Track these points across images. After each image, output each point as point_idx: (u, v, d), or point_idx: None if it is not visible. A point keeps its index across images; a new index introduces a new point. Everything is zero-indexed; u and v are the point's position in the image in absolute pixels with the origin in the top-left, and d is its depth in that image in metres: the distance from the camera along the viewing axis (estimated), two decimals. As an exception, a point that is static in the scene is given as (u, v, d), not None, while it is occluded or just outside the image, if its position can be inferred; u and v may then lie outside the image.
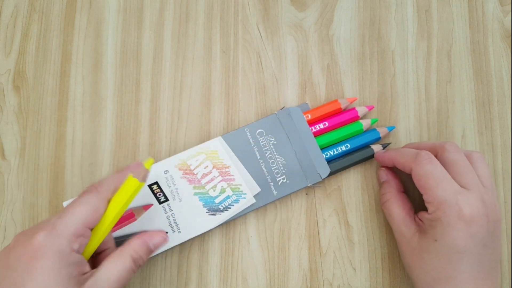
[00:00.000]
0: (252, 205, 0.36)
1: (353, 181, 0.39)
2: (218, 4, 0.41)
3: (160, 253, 0.37)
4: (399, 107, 0.40)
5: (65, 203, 0.36)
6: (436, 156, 0.33)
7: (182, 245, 0.37)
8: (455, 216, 0.31)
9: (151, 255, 0.32)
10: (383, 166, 0.38)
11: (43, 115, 0.39)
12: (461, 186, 0.32)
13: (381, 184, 0.38)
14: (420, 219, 0.34)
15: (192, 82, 0.40)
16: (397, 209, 0.35)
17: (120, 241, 0.35)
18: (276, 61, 0.41)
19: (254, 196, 0.36)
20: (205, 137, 0.39)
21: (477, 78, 0.41)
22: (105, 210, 0.30)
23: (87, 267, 0.29)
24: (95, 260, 0.31)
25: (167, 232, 0.34)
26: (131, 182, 0.30)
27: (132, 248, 0.30)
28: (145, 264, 0.32)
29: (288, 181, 0.37)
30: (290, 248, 0.38)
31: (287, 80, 0.40)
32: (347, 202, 0.38)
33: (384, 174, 0.37)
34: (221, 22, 0.41)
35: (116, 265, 0.29)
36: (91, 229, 0.29)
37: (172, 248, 0.37)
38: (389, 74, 0.41)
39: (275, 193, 0.36)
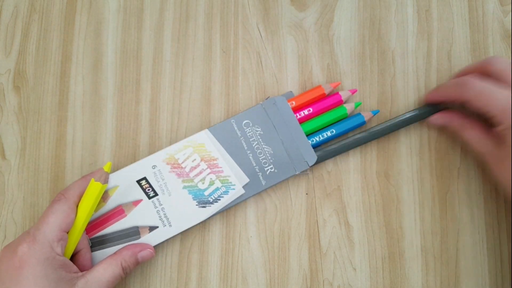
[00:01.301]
0: (241, 195, 0.36)
1: (353, 181, 0.39)
2: (218, 4, 0.41)
3: (160, 253, 0.37)
4: (399, 107, 0.40)
5: None
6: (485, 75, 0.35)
7: (182, 245, 0.37)
8: None
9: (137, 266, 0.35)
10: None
11: (43, 115, 0.39)
12: None
13: (445, 127, 0.39)
14: (494, 135, 0.35)
15: (192, 82, 0.40)
16: (475, 133, 0.36)
17: (111, 237, 0.35)
18: (276, 61, 0.41)
19: (243, 187, 0.36)
20: (205, 137, 0.39)
21: (477, 78, 0.41)
22: (75, 213, 0.33)
23: (74, 267, 0.32)
24: (73, 261, 0.34)
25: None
26: (94, 185, 0.34)
27: (122, 257, 0.33)
28: (132, 272, 0.36)
29: (276, 170, 0.37)
30: (290, 248, 0.38)
31: (287, 80, 0.40)
32: (347, 202, 0.38)
33: (440, 116, 0.38)
34: (221, 22, 0.41)
35: (107, 270, 0.32)
36: (67, 233, 0.33)
37: (172, 248, 0.37)
38: (389, 74, 0.41)
39: (263, 182, 0.37)
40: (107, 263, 0.33)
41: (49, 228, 0.31)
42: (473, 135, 0.36)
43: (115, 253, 0.34)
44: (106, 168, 0.36)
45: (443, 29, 0.41)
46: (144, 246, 0.35)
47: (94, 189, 0.34)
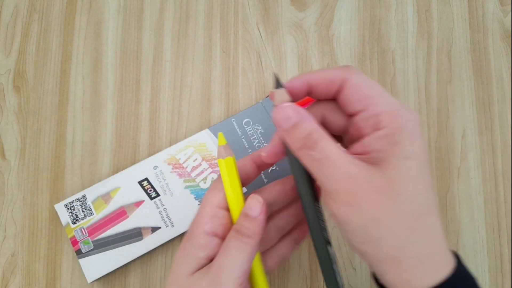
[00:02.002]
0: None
1: (353, 181, 0.39)
2: (218, 4, 0.41)
3: (160, 252, 0.37)
4: (399, 107, 0.40)
5: (56, 206, 0.36)
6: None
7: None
8: (416, 123, 0.24)
9: (251, 222, 0.27)
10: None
11: (43, 115, 0.39)
12: None
13: (290, 127, 0.25)
14: (365, 146, 0.24)
15: (192, 82, 0.40)
16: (335, 147, 0.24)
17: (114, 239, 0.35)
18: (276, 61, 0.41)
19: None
20: (205, 137, 0.39)
21: (477, 78, 0.41)
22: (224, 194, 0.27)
23: (213, 253, 0.26)
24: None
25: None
26: (225, 163, 0.28)
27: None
28: (253, 234, 0.26)
29: (277, 168, 0.37)
30: (290, 248, 0.38)
31: (287, 80, 0.40)
32: (347, 202, 0.38)
33: (294, 111, 0.25)
34: (221, 22, 0.41)
35: (224, 245, 0.26)
36: (225, 209, 0.27)
37: (172, 248, 0.37)
38: (389, 74, 0.41)
39: (265, 181, 0.37)
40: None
41: (203, 206, 0.27)
42: (338, 151, 0.24)
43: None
44: (221, 142, 0.28)
45: (443, 29, 0.41)
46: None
47: (227, 165, 0.27)
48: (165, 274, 0.37)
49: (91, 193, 0.36)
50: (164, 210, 0.36)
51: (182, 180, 0.36)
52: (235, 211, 0.27)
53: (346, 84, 0.25)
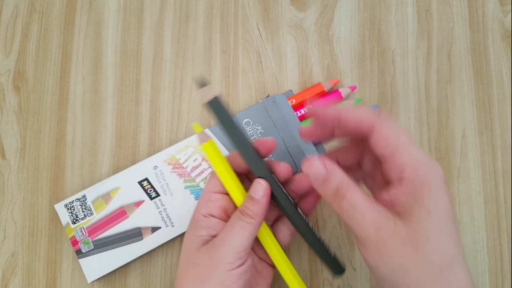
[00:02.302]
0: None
1: (353, 181, 0.39)
2: (218, 4, 0.41)
3: (160, 252, 0.37)
4: (399, 107, 0.40)
5: (56, 206, 0.36)
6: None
7: (182, 244, 0.37)
8: (440, 177, 0.25)
9: (256, 205, 0.29)
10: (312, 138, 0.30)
11: (43, 115, 0.39)
12: None
13: (321, 182, 0.26)
14: (391, 198, 0.25)
15: (192, 82, 0.40)
16: (363, 198, 0.25)
17: (114, 239, 0.35)
18: (276, 61, 0.41)
19: None
20: (205, 137, 0.39)
21: (477, 78, 0.41)
22: (219, 179, 0.30)
23: (215, 231, 0.29)
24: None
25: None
26: (207, 147, 0.30)
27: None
28: (257, 216, 0.29)
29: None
30: (290, 248, 0.38)
31: (287, 80, 0.40)
32: (347, 202, 0.38)
33: (323, 166, 0.26)
34: (221, 22, 0.41)
35: (228, 224, 0.29)
36: (220, 193, 0.30)
37: (172, 248, 0.37)
38: (389, 74, 0.41)
39: None
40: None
41: (201, 195, 0.31)
42: (368, 203, 0.25)
43: None
44: (196, 129, 0.30)
45: (443, 29, 0.41)
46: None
47: (208, 150, 0.30)
48: (165, 274, 0.37)
49: (91, 193, 0.36)
50: (164, 210, 0.36)
51: (182, 180, 0.36)
52: (230, 186, 0.30)
53: (375, 130, 0.25)
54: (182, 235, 0.38)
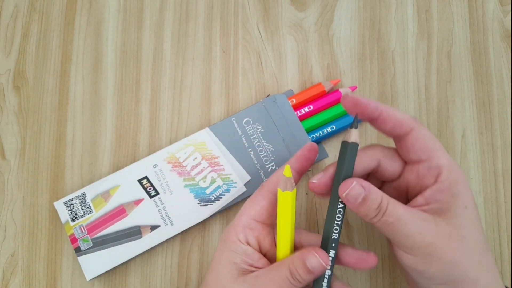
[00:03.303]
0: (243, 193, 0.36)
1: (353, 181, 0.39)
2: (218, 4, 0.41)
3: (160, 252, 0.37)
4: (399, 107, 0.40)
5: (55, 203, 0.36)
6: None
7: (182, 245, 0.37)
8: (464, 176, 0.27)
9: (310, 276, 0.28)
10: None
11: (43, 115, 0.39)
12: None
13: (360, 203, 0.27)
14: (427, 198, 0.27)
15: (192, 82, 0.40)
16: (403, 208, 0.27)
17: (113, 237, 0.35)
18: (276, 61, 0.41)
19: (245, 185, 0.36)
20: (205, 137, 0.39)
21: (477, 78, 0.41)
22: (269, 201, 0.30)
23: (257, 262, 0.29)
24: None
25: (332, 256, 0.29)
26: (283, 196, 0.28)
27: (290, 261, 0.28)
28: (304, 283, 0.28)
29: (277, 168, 0.37)
30: (290, 248, 0.38)
31: (287, 80, 0.40)
32: (347, 202, 0.38)
33: (360, 187, 0.27)
34: (221, 22, 0.41)
35: (274, 273, 0.28)
36: (261, 222, 0.30)
37: (172, 248, 0.37)
38: (389, 74, 0.41)
39: (265, 180, 0.37)
40: (277, 265, 0.29)
41: (243, 215, 0.30)
42: (407, 211, 0.26)
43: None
44: (287, 173, 0.28)
45: (443, 29, 0.41)
46: (315, 250, 0.28)
47: (284, 199, 0.28)
48: (165, 274, 0.37)
49: (91, 191, 0.36)
50: (164, 209, 0.36)
51: (182, 178, 0.36)
52: (283, 245, 0.29)
53: (413, 132, 0.27)
54: (181, 234, 0.38)
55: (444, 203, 0.26)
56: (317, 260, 0.27)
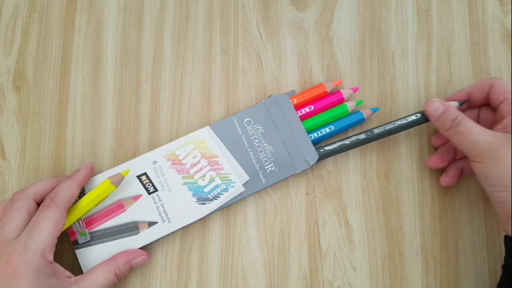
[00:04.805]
0: (241, 193, 0.36)
1: (353, 181, 0.39)
2: (218, 4, 0.41)
3: (160, 252, 0.37)
4: (399, 107, 0.40)
5: None
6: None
7: (182, 245, 0.37)
8: None
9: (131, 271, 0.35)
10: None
11: (43, 115, 0.39)
12: None
13: (439, 115, 0.34)
14: (504, 125, 0.33)
15: (192, 82, 0.40)
16: (474, 123, 0.32)
17: (111, 232, 0.35)
18: (276, 61, 0.41)
19: (243, 185, 0.36)
20: (205, 137, 0.39)
21: (477, 78, 0.41)
22: (65, 218, 0.33)
23: (66, 272, 0.32)
24: None
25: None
26: (104, 184, 0.35)
27: (116, 265, 0.34)
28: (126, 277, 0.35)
29: (276, 169, 0.37)
30: (290, 248, 0.38)
31: (287, 80, 0.40)
32: (347, 202, 0.38)
33: (442, 103, 0.35)
34: (221, 22, 0.41)
35: (100, 277, 0.33)
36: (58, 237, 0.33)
37: (172, 248, 0.37)
38: (389, 74, 0.41)
39: (263, 181, 0.37)
40: (101, 270, 0.33)
41: (41, 237, 0.31)
42: (475, 124, 0.33)
43: (109, 259, 0.34)
44: (124, 173, 0.35)
45: (443, 29, 0.41)
46: (139, 252, 0.35)
47: (103, 186, 0.35)
48: (165, 274, 0.37)
49: (90, 185, 0.36)
50: (162, 206, 0.36)
51: (181, 176, 0.37)
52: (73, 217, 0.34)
53: (493, 86, 0.35)
54: (181, 234, 0.38)
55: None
56: (142, 259, 0.35)
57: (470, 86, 0.37)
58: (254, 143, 0.37)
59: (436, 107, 0.34)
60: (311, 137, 0.38)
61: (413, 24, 0.41)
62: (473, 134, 0.32)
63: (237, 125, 0.37)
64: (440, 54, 0.41)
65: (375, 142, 0.39)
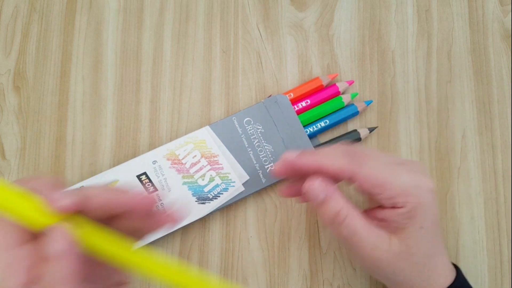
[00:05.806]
0: (241, 193, 0.36)
1: (353, 181, 0.39)
2: (218, 4, 0.41)
3: (160, 252, 0.37)
4: (399, 107, 0.40)
5: None
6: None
7: (182, 245, 0.37)
8: (429, 192, 0.28)
9: None
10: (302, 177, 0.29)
11: (43, 115, 0.39)
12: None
13: (319, 203, 0.28)
14: (386, 217, 0.28)
15: (192, 82, 0.40)
16: (361, 222, 0.28)
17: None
18: (276, 61, 0.41)
19: (243, 184, 0.37)
20: (205, 137, 0.39)
21: (477, 78, 0.41)
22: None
23: None
24: None
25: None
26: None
27: None
28: None
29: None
30: (290, 248, 0.38)
31: (287, 80, 0.40)
32: (347, 202, 0.38)
33: (323, 188, 0.28)
34: (221, 22, 0.41)
35: None
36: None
37: (172, 248, 0.37)
38: (389, 74, 0.41)
39: (263, 180, 0.37)
40: None
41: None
42: (364, 226, 0.28)
43: None
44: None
45: (443, 29, 0.41)
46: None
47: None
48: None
49: (89, 184, 0.36)
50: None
51: (181, 176, 0.37)
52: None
53: (357, 175, 0.28)
54: (181, 234, 0.38)
55: (400, 225, 0.28)
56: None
57: (325, 157, 0.28)
58: (254, 143, 0.37)
59: (315, 194, 0.28)
60: (307, 131, 0.38)
61: (413, 24, 0.41)
62: (358, 239, 0.28)
63: (237, 125, 0.38)
64: (440, 54, 0.41)
65: (375, 142, 0.39)
